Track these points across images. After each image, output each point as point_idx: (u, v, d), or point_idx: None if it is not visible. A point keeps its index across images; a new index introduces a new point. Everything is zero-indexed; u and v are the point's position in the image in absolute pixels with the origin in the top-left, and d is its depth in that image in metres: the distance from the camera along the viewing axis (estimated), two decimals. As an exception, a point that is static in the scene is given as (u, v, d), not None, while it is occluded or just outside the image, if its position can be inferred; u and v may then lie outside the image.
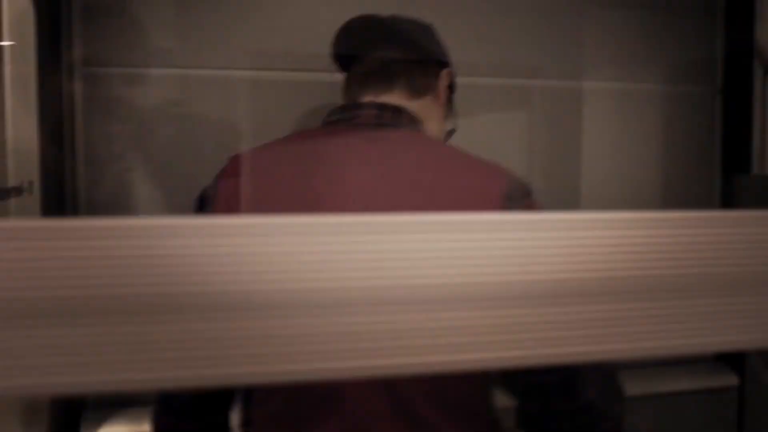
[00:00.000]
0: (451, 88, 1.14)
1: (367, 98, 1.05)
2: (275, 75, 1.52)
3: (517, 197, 0.89)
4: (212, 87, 1.48)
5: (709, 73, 1.72)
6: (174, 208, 1.46)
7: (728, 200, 1.64)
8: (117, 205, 1.43)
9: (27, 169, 1.26)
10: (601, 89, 1.66)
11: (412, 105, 1.04)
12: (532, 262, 0.30)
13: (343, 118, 1.03)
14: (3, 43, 1.22)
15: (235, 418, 1.02)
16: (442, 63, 1.12)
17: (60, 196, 1.36)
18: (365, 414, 0.83)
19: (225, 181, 0.98)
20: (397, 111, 1.03)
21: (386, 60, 1.07)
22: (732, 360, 1.73)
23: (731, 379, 1.72)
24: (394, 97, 1.05)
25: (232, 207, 0.95)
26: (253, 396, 0.94)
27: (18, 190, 1.15)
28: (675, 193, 1.70)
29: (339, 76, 1.17)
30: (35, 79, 1.23)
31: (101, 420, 1.42)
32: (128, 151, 1.45)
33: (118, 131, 1.44)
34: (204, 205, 0.99)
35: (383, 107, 1.02)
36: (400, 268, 0.30)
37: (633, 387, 0.93)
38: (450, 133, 1.15)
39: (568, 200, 1.60)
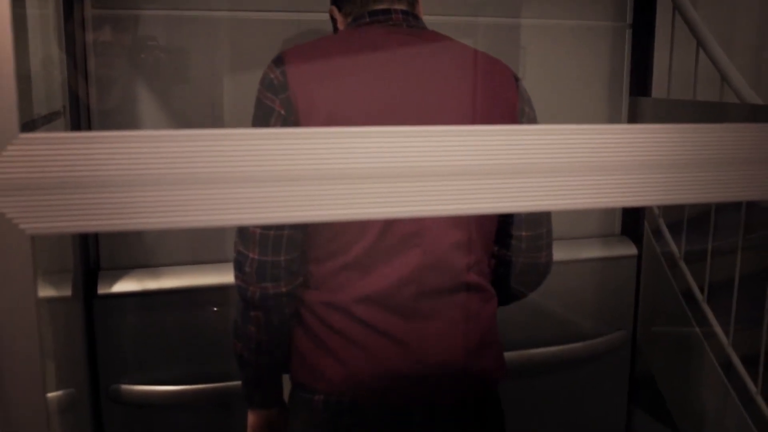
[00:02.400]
0: None
1: (381, 6, 1.17)
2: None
3: (516, 77, 1.21)
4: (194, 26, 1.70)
5: (621, 10, 2.01)
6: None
7: (633, 118, 1.95)
8: (124, 125, 1.66)
9: (55, 97, 1.47)
10: (532, 25, 1.94)
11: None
12: (503, 153, 0.58)
13: (377, 20, 1.16)
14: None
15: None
16: None
17: (78, 118, 1.58)
18: (440, 245, 1.11)
19: (295, 73, 1.08)
20: (415, 16, 1.19)
21: None
22: (633, 234, 2.10)
23: (632, 250, 2.11)
24: (402, 6, 1.18)
25: (314, 94, 1.06)
26: (335, 250, 1.10)
27: (59, 114, 1.37)
28: (590, 111, 2.02)
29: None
30: (60, 19, 1.43)
31: (115, 279, 1.69)
32: (128, 78, 1.66)
33: (121, 64, 1.65)
34: (276, 92, 1.08)
35: (405, 12, 1.17)
36: (435, 155, 0.56)
37: (555, 254, 1.26)
38: None
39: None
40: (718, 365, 2.12)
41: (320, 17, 1.43)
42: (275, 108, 1.08)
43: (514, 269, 1.22)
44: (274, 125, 1.08)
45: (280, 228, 1.08)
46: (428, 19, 1.23)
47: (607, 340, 2.08)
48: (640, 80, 1.96)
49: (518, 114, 1.18)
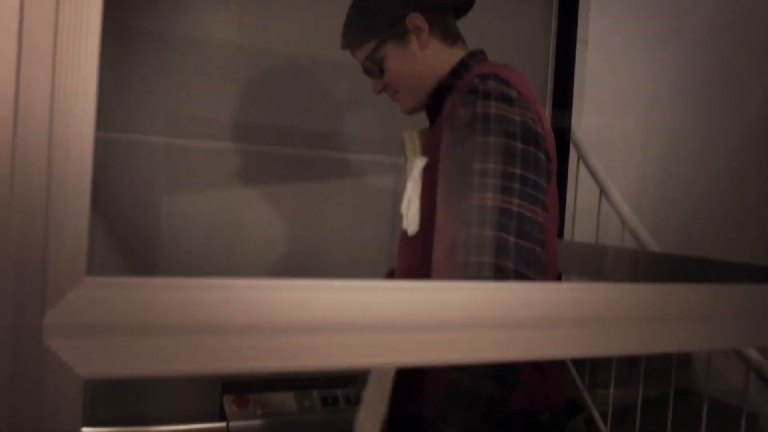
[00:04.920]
0: None
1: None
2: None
3: None
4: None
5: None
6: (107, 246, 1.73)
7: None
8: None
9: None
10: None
11: None
12: (466, 306, 0.65)
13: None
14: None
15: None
16: None
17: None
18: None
19: (529, 102, 1.04)
20: None
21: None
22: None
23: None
24: None
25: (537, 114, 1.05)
26: None
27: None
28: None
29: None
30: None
31: None
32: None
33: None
34: (527, 109, 1.02)
35: None
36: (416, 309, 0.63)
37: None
38: None
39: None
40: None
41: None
42: (537, 129, 1.03)
43: None
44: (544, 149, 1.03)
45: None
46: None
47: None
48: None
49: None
